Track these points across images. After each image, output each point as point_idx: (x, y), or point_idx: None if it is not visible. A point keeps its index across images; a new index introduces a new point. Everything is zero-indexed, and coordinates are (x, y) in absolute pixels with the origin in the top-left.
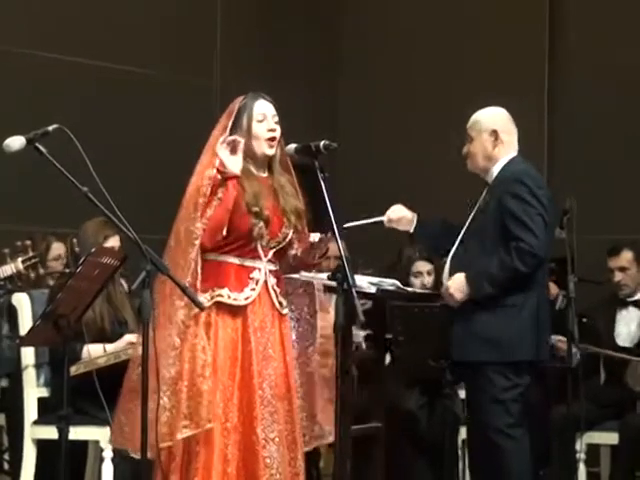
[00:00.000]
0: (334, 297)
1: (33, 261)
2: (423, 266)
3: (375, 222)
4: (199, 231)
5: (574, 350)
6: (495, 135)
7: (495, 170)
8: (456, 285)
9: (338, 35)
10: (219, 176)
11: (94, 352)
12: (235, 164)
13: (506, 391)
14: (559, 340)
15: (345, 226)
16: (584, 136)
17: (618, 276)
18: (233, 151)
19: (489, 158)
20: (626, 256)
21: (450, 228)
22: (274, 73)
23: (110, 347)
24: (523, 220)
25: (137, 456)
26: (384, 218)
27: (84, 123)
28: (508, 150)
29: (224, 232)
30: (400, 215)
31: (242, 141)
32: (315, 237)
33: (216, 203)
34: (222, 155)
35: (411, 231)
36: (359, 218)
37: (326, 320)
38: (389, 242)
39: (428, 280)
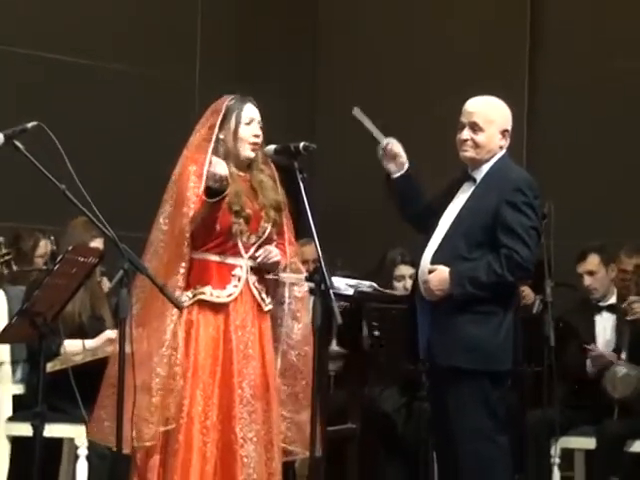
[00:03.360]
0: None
1: (6, 258)
2: (406, 270)
3: (375, 137)
4: (189, 227)
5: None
6: (505, 135)
7: (486, 167)
8: (438, 280)
9: (317, 38)
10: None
11: (72, 348)
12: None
13: (491, 394)
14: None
15: (354, 112)
16: (563, 142)
17: (587, 280)
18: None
19: (490, 153)
20: (593, 260)
21: (426, 201)
22: (253, 74)
23: (90, 343)
24: (518, 232)
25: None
26: (384, 142)
27: (63, 120)
28: (504, 150)
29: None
30: (398, 151)
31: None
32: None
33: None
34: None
35: (396, 175)
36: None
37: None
38: (371, 244)
39: (410, 284)
